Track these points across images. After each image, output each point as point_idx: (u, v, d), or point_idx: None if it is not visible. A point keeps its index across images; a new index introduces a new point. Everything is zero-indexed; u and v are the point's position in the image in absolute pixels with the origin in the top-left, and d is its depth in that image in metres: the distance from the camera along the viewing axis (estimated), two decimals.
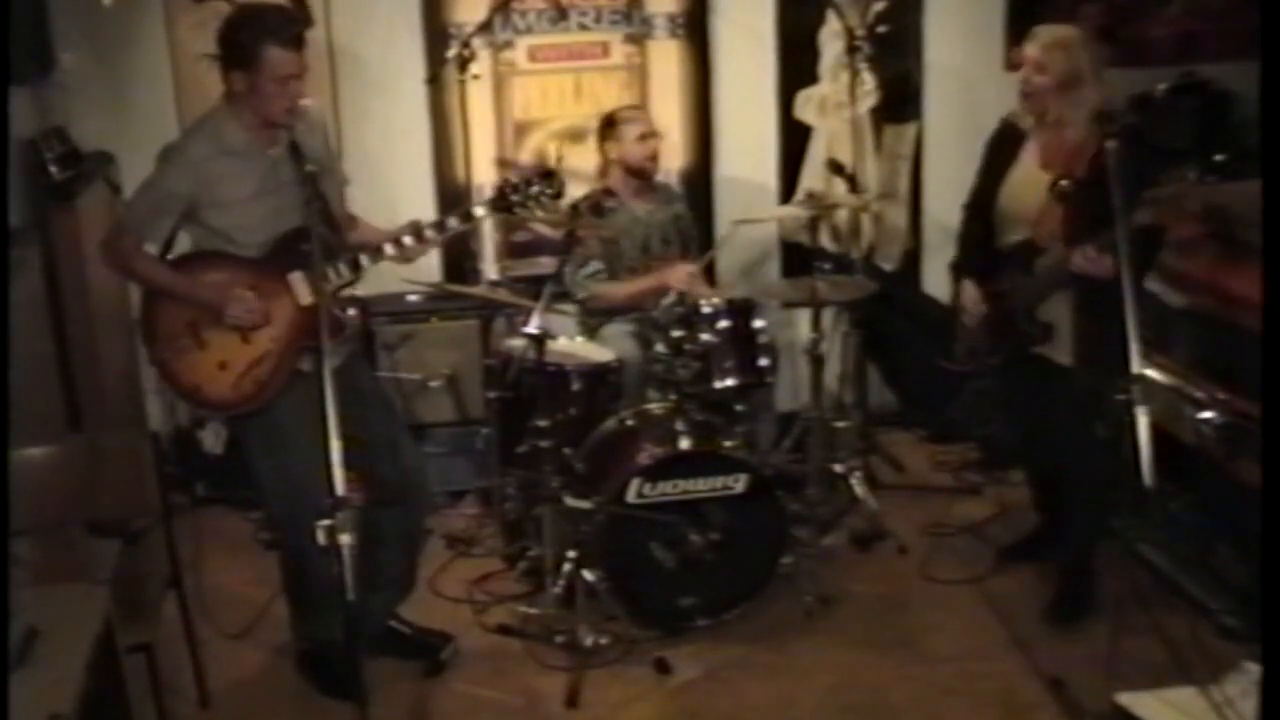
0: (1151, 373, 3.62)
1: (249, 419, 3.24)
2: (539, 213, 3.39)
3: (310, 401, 2.89)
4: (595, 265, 4.31)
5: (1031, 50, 3.48)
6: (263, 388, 3.18)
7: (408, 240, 3.24)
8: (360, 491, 2.70)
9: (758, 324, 3.91)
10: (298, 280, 3.16)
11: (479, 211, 3.34)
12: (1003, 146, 3.65)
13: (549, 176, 3.33)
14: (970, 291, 3.73)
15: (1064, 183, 3.40)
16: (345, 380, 2.87)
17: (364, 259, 3.20)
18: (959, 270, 3.83)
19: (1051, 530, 3.95)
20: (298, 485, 3.13)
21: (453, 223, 3.30)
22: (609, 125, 4.42)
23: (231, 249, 3.16)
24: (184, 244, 3.25)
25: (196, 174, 3.08)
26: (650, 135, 4.41)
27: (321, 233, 2.94)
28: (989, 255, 3.69)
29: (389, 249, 3.23)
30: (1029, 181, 3.54)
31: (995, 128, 3.71)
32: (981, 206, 3.72)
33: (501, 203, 3.33)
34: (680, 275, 4.22)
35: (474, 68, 4.51)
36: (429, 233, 3.26)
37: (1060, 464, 3.73)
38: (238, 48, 3.04)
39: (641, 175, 4.42)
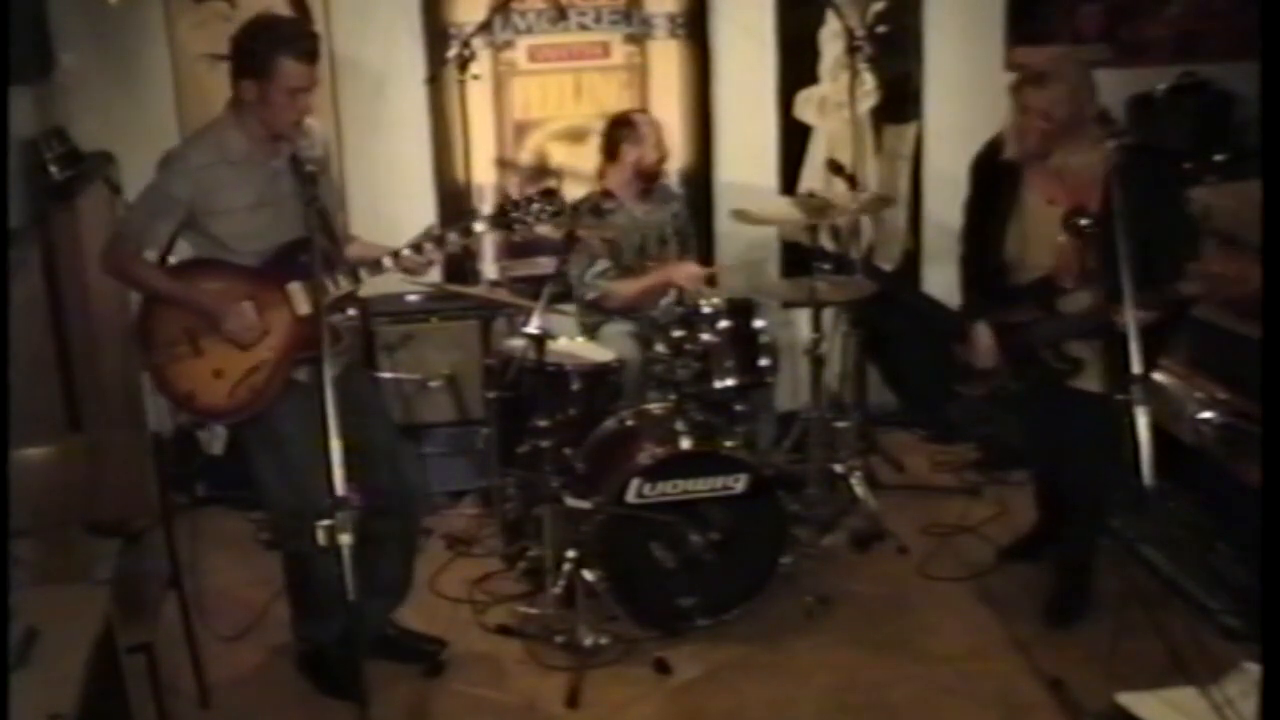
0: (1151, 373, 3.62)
1: (249, 425, 3.24)
2: (538, 229, 3.40)
3: (310, 407, 2.89)
4: (603, 264, 4.31)
5: (1034, 97, 3.28)
6: (257, 397, 3.17)
7: (406, 253, 3.24)
8: (358, 496, 2.70)
9: (758, 324, 3.92)
10: (296, 291, 3.16)
11: (478, 227, 3.36)
12: (995, 175, 3.49)
13: (550, 194, 3.35)
14: (984, 338, 3.55)
15: (1083, 221, 3.24)
16: (343, 388, 2.87)
17: (363, 271, 3.20)
18: (968, 315, 3.63)
19: (1052, 530, 3.95)
20: (298, 490, 3.13)
21: (452, 237, 3.30)
22: (627, 126, 4.39)
23: (229, 257, 3.15)
24: (182, 251, 3.24)
25: (197, 181, 3.08)
26: (662, 140, 4.42)
27: (321, 242, 2.94)
28: (1001, 290, 3.55)
29: (388, 262, 3.23)
30: (1038, 219, 3.42)
31: (981, 150, 3.55)
32: (981, 241, 3.57)
33: (501, 220, 3.34)
34: (690, 274, 4.26)
35: (474, 68, 4.51)
36: (428, 246, 3.26)
37: (1078, 484, 3.63)
38: (252, 56, 3.04)
39: (653, 179, 4.43)
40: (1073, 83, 3.31)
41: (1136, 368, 2.90)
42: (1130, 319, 2.92)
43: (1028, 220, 3.47)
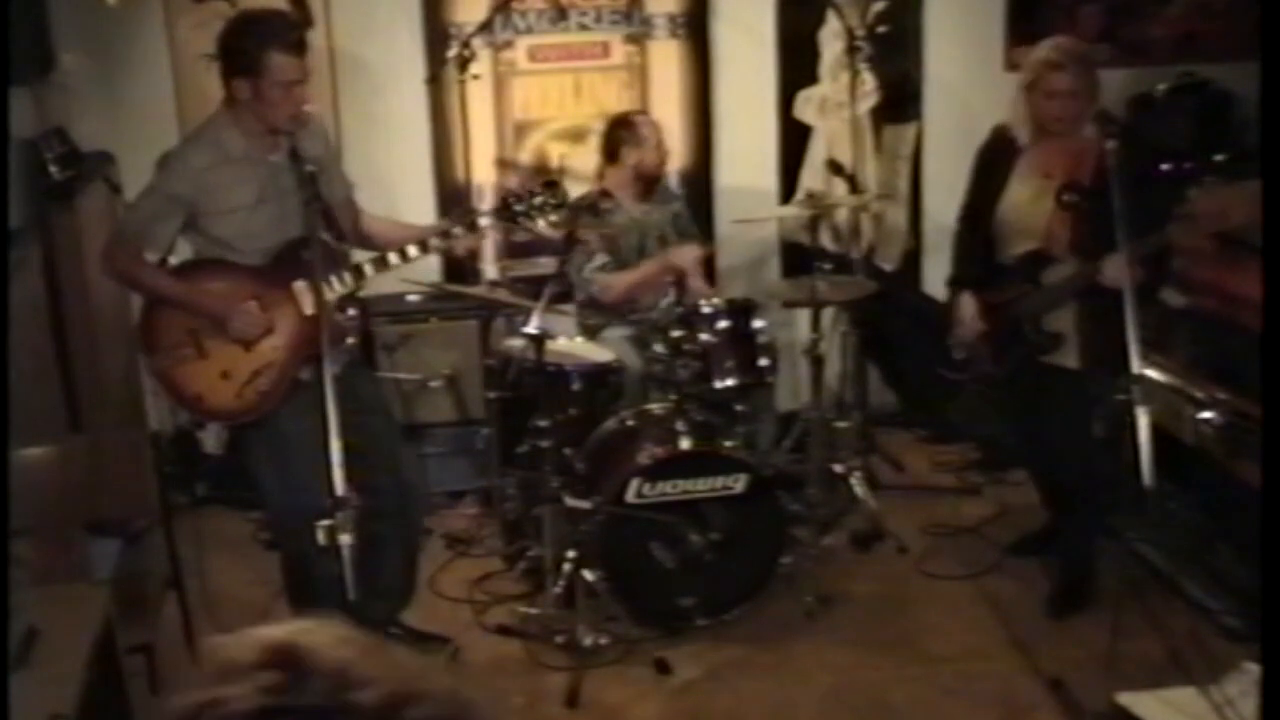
0: (1151, 373, 3.62)
1: (251, 426, 3.23)
2: (541, 222, 3.40)
3: (312, 408, 2.90)
4: (601, 258, 4.30)
5: (1060, 81, 3.42)
6: (265, 397, 3.16)
7: (413, 251, 3.23)
8: (357, 496, 2.70)
9: (758, 324, 3.92)
10: (302, 290, 3.13)
11: (484, 223, 3.36)
12: (997, 158, 3.62)
13: (553, 186, 3.34)
14: (968, 306, 3.70)
15: (1070, 195, 3.39)
16: (345, 386, 2.86)
17: (368, 267, 3.19)
18: (957, 285, 3.79)
19: (1060, 527, 3.94)
20: (300, 490, 3.10)
21: (458, 233, 3.30)
22: (627, 128, 4.37)
23: (233, 257, 3.13)
24: (183, 251, 3.23)
25: (196, 182, 3.06)
26: (662, 142, 4.41)
27: (324, 238, 2.93)
28: (988, 267, 3.67)
29: (394, 259, 3.21)
30: (1032, 192, 3.52)
31: (986, 138, 3.68)
32: (977, 218, 3.68)
33: (505, 213, 3.34)
34: (685, 255, 4.26)
35: (474, 68, 4.51)
36: (434, 242, 3.26)
37: (1064, 466, 3.72)
38: (240, 54, 3.02)
39: (654, 180, 4.42)
40: (1091, 65, 3.51)
41: (1136, 367, 2.91)
42: (1131, 320, 2.93)
43: (1023, 192, 3.56)
